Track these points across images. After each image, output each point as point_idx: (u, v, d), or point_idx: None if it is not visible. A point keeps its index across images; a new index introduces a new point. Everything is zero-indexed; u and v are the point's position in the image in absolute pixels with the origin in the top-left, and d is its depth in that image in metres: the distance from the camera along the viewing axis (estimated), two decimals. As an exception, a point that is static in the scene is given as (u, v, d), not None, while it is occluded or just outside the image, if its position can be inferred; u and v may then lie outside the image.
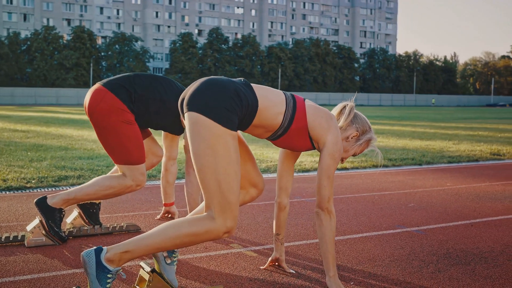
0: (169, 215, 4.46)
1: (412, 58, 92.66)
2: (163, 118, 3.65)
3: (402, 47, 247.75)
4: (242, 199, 2.77)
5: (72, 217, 3.99)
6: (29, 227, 3.62)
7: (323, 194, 2.63)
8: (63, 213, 3.64)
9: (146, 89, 3.53)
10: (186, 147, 3.82)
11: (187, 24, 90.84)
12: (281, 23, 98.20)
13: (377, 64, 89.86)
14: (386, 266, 3.24)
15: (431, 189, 6.05)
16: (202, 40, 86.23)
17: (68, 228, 3.91)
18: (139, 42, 79.59)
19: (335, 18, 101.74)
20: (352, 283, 2.94)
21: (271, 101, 2.49)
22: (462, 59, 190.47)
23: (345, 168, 7.75)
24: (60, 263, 3.21)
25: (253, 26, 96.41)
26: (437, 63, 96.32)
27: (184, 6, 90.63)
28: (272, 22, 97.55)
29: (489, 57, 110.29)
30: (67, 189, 5.71)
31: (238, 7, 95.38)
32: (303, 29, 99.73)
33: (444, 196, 5.60)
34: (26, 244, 3.55)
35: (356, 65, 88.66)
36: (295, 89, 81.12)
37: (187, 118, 2.32)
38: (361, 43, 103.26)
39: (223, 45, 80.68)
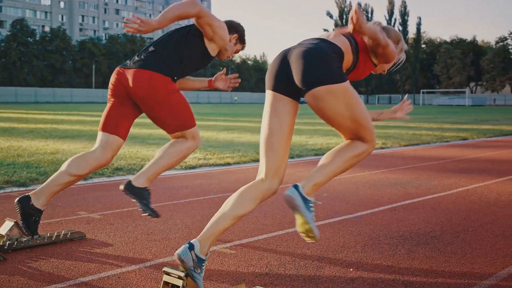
0: None
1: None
2: (191, 56, 3.58)
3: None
4: (262, 196, 2.70)
5: (7, 228, 3.50)
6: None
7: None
8: (149, 190, 3.52)
9: (169, 47, 3.50)
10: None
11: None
12: (93, 17, 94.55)
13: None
14: (363, 251, 3.42)
15: (325, 180, 6.42)
16: (4, 32, 79.33)
17: (4, 241, 3.42)
18: None
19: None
20: (351, 269, 3.06)
21: (342, 41, 2.74)
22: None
23: (228, 164, 7.85)
24: (29, 280, 2.81)
25: (62, 19, 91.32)
26: (249, 62, 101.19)
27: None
28: (83, 16, 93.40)
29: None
30: None
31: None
32: (117, 24, 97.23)
33: (345, 186, 6.01)
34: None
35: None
36: (110, 86, 78.68)
37: (316, 96, 2.57)
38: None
39: (29, 38, 75.08)
